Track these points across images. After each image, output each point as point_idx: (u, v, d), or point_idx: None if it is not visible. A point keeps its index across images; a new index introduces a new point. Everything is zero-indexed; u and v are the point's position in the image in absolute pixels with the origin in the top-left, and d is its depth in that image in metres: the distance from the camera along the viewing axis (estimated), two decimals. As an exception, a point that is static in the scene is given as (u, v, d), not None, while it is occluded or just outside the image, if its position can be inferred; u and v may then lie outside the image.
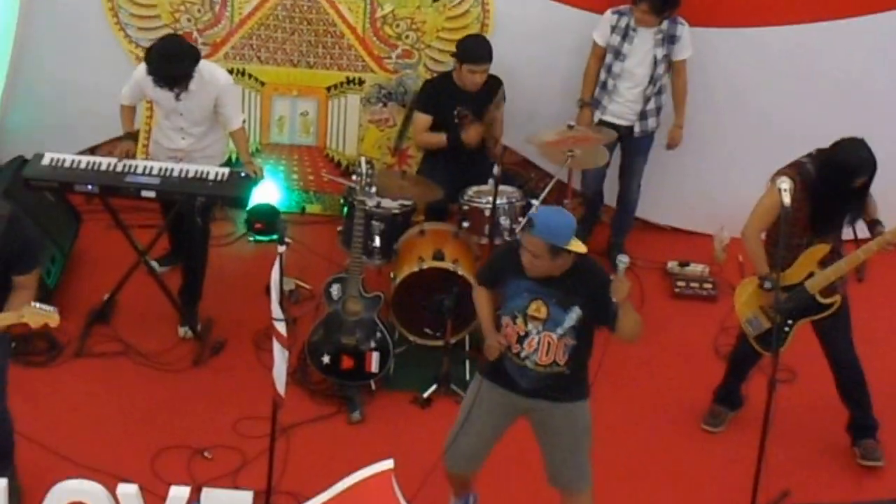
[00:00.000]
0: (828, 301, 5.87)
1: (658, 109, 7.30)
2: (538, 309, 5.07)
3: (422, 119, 7.23)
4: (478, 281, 5.46)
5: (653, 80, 7.18)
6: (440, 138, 7.16)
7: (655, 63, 7.15)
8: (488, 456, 5.43)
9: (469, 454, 5.39)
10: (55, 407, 6.30)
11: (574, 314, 5.07)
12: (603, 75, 7.25)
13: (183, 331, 6.86)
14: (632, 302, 7.16)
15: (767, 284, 5.80)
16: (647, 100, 7.23)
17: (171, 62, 6.42)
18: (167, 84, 6.47)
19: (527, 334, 5.11)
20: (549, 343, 5.10)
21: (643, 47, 7.13)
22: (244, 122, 6.91)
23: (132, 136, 6.82)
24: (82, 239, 7.44)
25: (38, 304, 5.17)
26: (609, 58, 7.20)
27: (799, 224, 5.76)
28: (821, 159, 5.75)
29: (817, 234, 5.79)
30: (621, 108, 7.27)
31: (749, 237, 5.88)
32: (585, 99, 7.33)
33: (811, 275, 5.82)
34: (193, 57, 6.52)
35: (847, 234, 5.97)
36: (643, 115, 7.27)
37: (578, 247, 4.99)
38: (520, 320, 5.11)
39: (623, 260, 5.01)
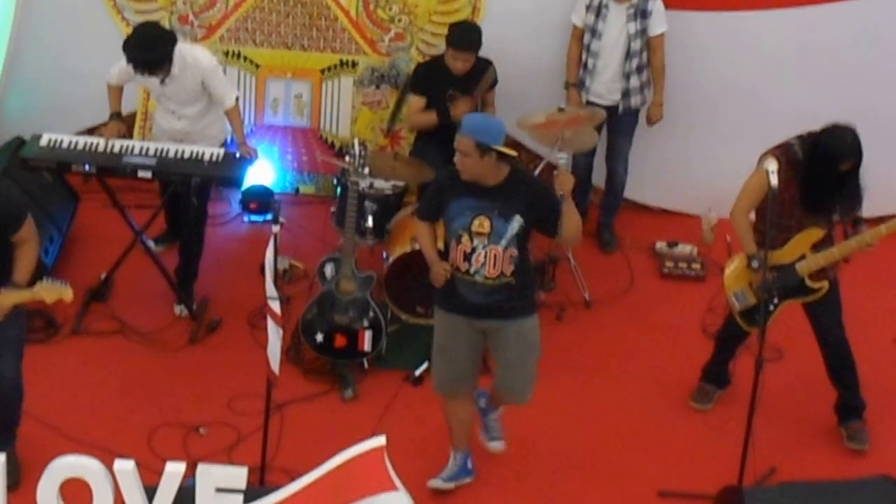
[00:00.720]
0: (816, 285, 5.93)
1: (641, 87, 7.33)
2: (481, 224, 5.32)
3: (416, 101, 7.28)
4: (419, 216, 5.64)
5: (629, 55, 7.23)
6: (431, 117, 7.21)
7: (629, 38, 7.21)
8: (476, 377, 5.71)
9: (452, 377, 5.66)
10: (52, 384, 6.34)
11: (516, 223, 5.32)
12: (584, 56, 7.31)
13: (179, 309, 6.93)
14: (620, 281, 7.27)
15: (755, 264, 5.86)
16: (627, 77, 7.28)
17: (146, 49, 6.47)
18: (145, 71, 6.51)
19: (473, 250, 5.35)
20: (495, 256, 5.35)
21: (616, 23, 7.18)
22: (238, 99, 6.95)
23: (120, 116, 6.84)
24: (80, 218, 7.49)
25: (50, 280, 5.27)
26: (587, 37, 7.26)
27: (787, 204, 5.82)
28: (808, 142, 5.81)
29: (807, 215, 5.84)
30: (603, 87, 7.32)
31: (737, 217, 5.95)
32: (571, 81, 7.38)
33: (803, 257, 5.89)
34: (169, 42, 6.54)
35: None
36: (626, 93, 7.32)
37: (507, 149, 5.28)
38: (465, 238, 5.35)
39: (562, 156, 5.41)
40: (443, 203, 5.43)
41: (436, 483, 5.81)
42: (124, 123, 6.87)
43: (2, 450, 5.25)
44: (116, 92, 6.86)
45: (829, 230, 5.90)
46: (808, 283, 5.93)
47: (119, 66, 6.73)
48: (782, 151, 5.82)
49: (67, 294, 5.28)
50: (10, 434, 5.71)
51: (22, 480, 5.40)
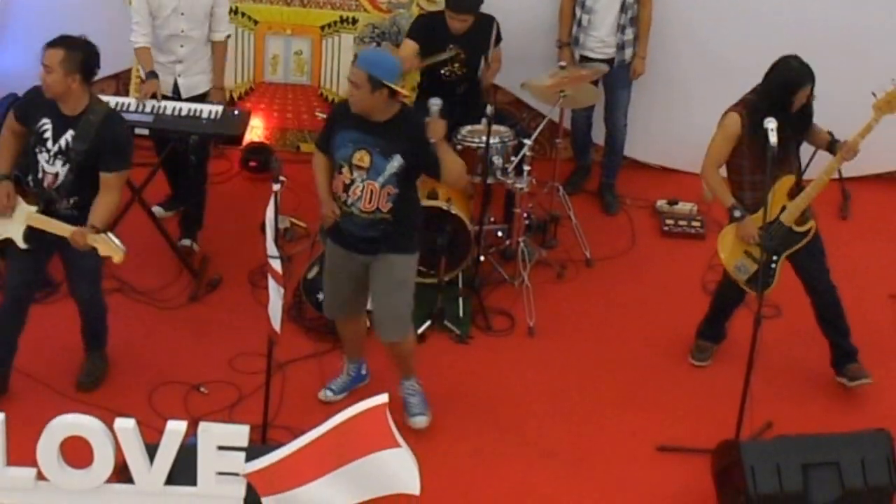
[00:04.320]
0: (804, 228, 5.99)
1: (634, 39, 7.34)
2: (361, 158, 5.41)
3: (408, 45, 7.13)
4: (317, 146, 5.71)
5: (623, 7, 7.22)
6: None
7: None
8: (362, 304, 5.92)
9: (337, 303, 5.88)
10: (52, 343, 6.35)
11: (395, 162, 5.41)
12: (578, 12, 7.30)
13: (186, 241, 6.99)
14: (621, 239, 7.27)
15: (737, 213, 5.92)
16: (622, 29, 7.26)
17: None
18: None
19: (352, 182, 5.45)
20: (371, 191, 5.44)
21: None
22: (229, 37, 6.92)
23: (155, 75, 6.74)
24: (78, 177, 7.49)
25: (112, 236, 5.48)
26: None
27: (752, 159, 5.85)
28: (762, 87, 5.85)
29: (777, 165, 5.81)
30: (597, 42, 7.30)
31: (707, 173, 6.01)
32: (563, 39, 7.38)
33: (783, 209, 5.93)
34: None
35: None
36: (621, 46, 7.31)
37: (400, 88, 5.35)
38: (345, 169, 5.45)
39: (434, 102, 5.41)
40: (333, 132, 5.53)
41: (326, 395, 6.05)
42: (158, 80, 6.78)
43: (96, 352, 5.95)
44: (146, 52, 6.77)
45: (798, 173, 5.95)
46: (796, 228, 5.98)
47: (135, 24, 6.69)
48: (743, 107, 5.87)
49: (118, 255, 5.50)
50: (101, 341, 6.15)
51: (32, 434, 5.39)
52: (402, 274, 5.69)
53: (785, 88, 5.77)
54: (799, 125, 5.88)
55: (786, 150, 5.84)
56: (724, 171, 6.02)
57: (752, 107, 5.83)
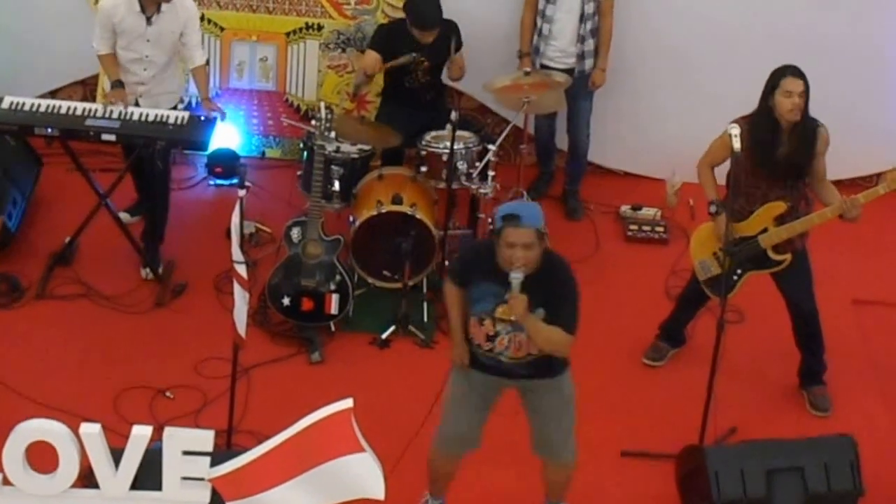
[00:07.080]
0: (779, 257, 5.99)
1: (595, 50, 7.36)
2: (505, 311, 4.95)
3: (371, 55, 7.13)
4: (451, 279, 5.22)
5: (583, 18, 7.25)
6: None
7: (583, 1, 7.22)
8: (480, 438, 5.32)
9: (462, 434, 5.30)
10: (17, 348, 6.34)
11: (539, 314, 4.92)
12: (539, 22, 7.31)
13: (145, 272, 6.91)
14: (585, 244, 7.23)
15: (712, 208, 5.95)
16: (582, 39, 7.29)
17: None
18: None
19: (496, 334, 5.04)
20: (519, 342, 5.02)
21: None
22: (207, 62, 6.89)
23: (122, 84, 6.70)
24: (43, 182, 7.44)
25: None
26: (541, 3, 7.27)
27: (747, 170, 5.87)
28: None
29: (772, 185, 5.88)
30: (558, 52, 7.33)
31: (699, 167, 6.06)
32: (524, 50, 7.40)
33: (766, 230, 5.95)
34: None
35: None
36: (581, 56, 7.33)
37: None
38: (487, 322, 5.02)
39: (516, 275, 4.81)
40: (471, 278, 5.05)
41: None
42: (125, 90, 6.76)
43: None
44: (111, 60, 6.73)
45: (793, 203, 5.94)
46: (771, 255, 5.99)
47: (97, 27, 6.64)
48: (745, 119, 5.88)
49: None
50: None
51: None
52: (570, 390, 5.21)
53: (767, 83, 5.79)
54: (798, 154, 5.84)
55: (784, 175, 5.86)
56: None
57: (753, 120, 5.84)
